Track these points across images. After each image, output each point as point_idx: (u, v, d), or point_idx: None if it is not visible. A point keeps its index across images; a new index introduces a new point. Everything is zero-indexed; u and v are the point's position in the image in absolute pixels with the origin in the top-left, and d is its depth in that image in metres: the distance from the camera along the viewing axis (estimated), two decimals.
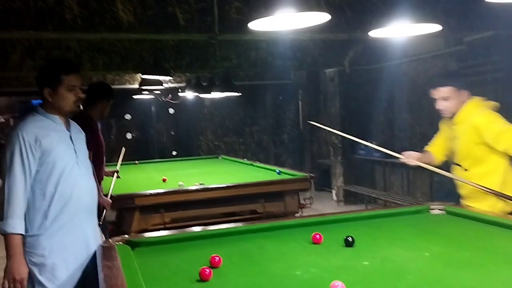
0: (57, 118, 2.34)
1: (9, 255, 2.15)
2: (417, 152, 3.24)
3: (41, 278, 2.22)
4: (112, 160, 5.78)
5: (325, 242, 2.25)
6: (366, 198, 7.23)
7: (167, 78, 5.46)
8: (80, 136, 2.47)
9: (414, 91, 6.75)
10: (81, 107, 3.51)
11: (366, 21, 3.77)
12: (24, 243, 2.20)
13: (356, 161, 7.63)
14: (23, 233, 2.18)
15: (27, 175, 2.19)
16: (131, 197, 3.98)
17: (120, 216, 4.08)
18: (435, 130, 6.84)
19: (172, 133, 10.91)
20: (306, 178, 4.58)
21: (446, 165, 3.18)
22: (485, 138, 2.76)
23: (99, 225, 4.29)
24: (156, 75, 5.09)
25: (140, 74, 7.10)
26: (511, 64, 4.45)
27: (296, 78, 9.48)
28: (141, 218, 4.02)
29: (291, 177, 4.74)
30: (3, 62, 5.55)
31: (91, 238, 2.37)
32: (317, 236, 2.26)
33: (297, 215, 4.41)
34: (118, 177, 4.40)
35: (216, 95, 5.93)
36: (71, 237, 2.29)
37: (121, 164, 5.00)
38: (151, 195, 4.07)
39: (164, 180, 4.83)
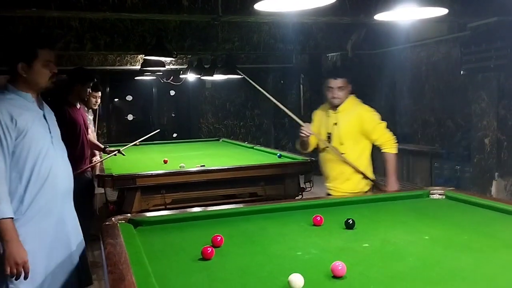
0: (29, 95, 2.20)
1: (5, 241, 2.04)
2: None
3: None
4: (122, 140, 5.85)
5: (325, 224, 2.27)
6: None
7: (169, 59, 5.43)
8: (52, 116, 2.35)
9: (416, 76, 6.73)
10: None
11: (371, 4, 3.74)
12: None
13: None
14: (13, 216, 2.06)
15: (6, 157, 2.07)
16: (132, 178, 4.00)
17: (122, 196, 4.11)
18: (436, 116, 6.83)
19: (173, 115, 10.89)
20: (307, 162, 4.60)
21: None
22: (365, 126, 3.25)
23: (89, 213, 4.43)
24: (158, 56, 5.07)
25: (142, 55, 7.08)
26: None
27: (298, 62, 9.43)
28: (142, 198, 4.04)
29: (292, 160, 4.75)
30: (4, 38, 5.51)
31: (68, 222, 2.30)
32: (318, 218, 2.28)
33: (297, 198, 4.44)
34: (123, 154, 4.60)
35: (218, 77, 5.91)
36: (48, 222, 2.19)
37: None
38: (152, 176, 4.09)
39: (165, 162, 4.84)
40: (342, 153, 3.26)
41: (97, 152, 4.87)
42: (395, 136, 3.41)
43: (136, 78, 8.91)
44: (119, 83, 9.73)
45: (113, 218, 2.34)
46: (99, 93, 4.65)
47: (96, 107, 4.81)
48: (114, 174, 3.97)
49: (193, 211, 2.60)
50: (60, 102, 3.90)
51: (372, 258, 1.83)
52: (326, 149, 3.36)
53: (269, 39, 6.65)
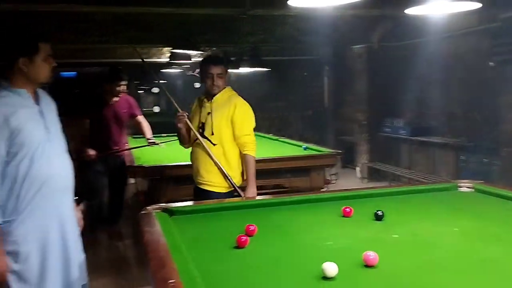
0: (24, 92, 2.15)
1: None
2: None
3: (15, 266, 2.09)
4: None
5: (354, 215, 2.32)
6: (390, 175, 7.24)
7: (195, 52, 5.51)
8: (51, 108, 2.30)
9: (444, 69, 6.66)
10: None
11: None
12: None
13: (381, 138, 7.62)
14: (1, 222, 2.03)
15: (0, 157, 2.05)
16: (162, 168, 4.10)
17: (152, 187, 4.22)
18: (463, 108, 6.73)
19: None
20: (333, 154, 4.63)
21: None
22: (234, 118, 3.14)
23: (119, 200, 4.64)
24: (185, 49, 5.15)
25: (168, 48, 7.18)
26: None
27: (322, 54, 9.41)
28: (172, 188, 4.13)
29: (317, 153, 4.79)
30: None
31: (67, 219, 2.25)
32: (347, 210, 2.33)
33: (322, 190, 4.48)
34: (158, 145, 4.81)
35: (243, 70, 5.96)
36: (46, 220, 2.15)
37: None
38: (181, 166, 4.18)
39: None
40: (215, 144, 3.14)
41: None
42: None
43: (162, 70, 9.02)
44: (145, 75, 9.88)
45: (148, 207, 2.42)
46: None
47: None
48: (145, 165, 4.08)
49: (224, 201, 2.67)
50: (99, 101, 4.51)
51: (402, 249, 1.87)
52: (197, 142, 3.21)
53: (293, 32, 6.67)
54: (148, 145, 4.76)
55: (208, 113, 3.19)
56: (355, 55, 7.85)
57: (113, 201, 4.76)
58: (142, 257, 4.18)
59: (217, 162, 3.11)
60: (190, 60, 6.36)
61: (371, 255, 1.66)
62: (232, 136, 3.17)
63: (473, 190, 2.76)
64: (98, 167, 4.52)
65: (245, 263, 1.76)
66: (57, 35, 5.55)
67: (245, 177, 3.21)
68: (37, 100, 2.21)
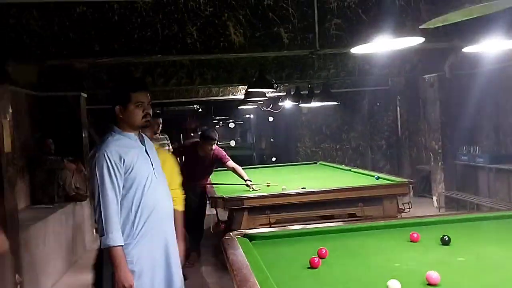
0: (132, 134, 2.49)
1: (115, 266, 2.31)
2: None
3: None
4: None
5: (422, 240, 2.46)
6: (469, 204, 7.06)
7: (270, 90, 5.88)
8: (153, 149, 2.62)
9: None
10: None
11: (464, 29, 3.84)
12: None
13: (458, 166, 7.48)
14: (123, 244, 2.35)
15: (117, 192, 2.36)
16: (240, 199, 4.43)
17: (231, 216, 4.55)
18: None
19: (272, 140, 11.38)
20: (405, 183, 4.72)
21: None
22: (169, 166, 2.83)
23: (199, 226, 5.00)
24: (261, 88, 5.52)
25: (243, 86, 7.65)
26: None
27: (393, 84, 9.47)
28: (249, 218, 4.44)
29: (389, 182, 4.89)
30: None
31: (170, 241, 2.55)
32: (415, 235, 2.48)
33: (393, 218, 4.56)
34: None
35: (315, 104, 6.22)
36: (155, 243, 2.46)
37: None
38: (258, 197, 4.49)
39: (268, 185, 5.21)
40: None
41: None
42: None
43: (238, 107, 9.52)
44: (222, 112, 10.48)
45: (231, 233, 2.73)
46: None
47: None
48: (224, 196, 4.43)
49: (299, 228, 2.92)
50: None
51: (466, 271, 2.00)
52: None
53: (364, 65, 6.86)
54: (245, 185, 5.06)
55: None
56: (427, 84, 7.85)
57: (194, 227, 5.15)
58: (222, 283, 4.47)
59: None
60: (265, 96, 6.74)
61: (434, 274, 1.81)
62: None
63: None
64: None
65: (319, 281, 1.98)
66: (149, 79, 6.17)
67: None
68: (141, 141, 2.56)
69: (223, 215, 4.85)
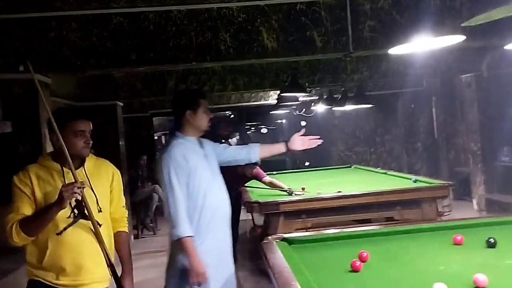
0: (193, 139, 2.70)
1: (188, 255, 2.51)
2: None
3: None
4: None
5: (466, 243, 2.39)
6: (511, 207, 6.83)
7: (303, 94, 5.86)
8: (212, 153, 2.78)
9: None
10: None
11: (504, 28, 3.74)
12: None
13: (499, 168, 7.25)
14: (193, 235, 2.52)
15: (183, 190, 2.56)
16: (276, 204, 4.42)
17: (267, 221, 4.55)
18: None
19: None
20: (444, 186, 4.61)
21: None
22: (115, 189, 2.40)
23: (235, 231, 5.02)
24: (293, 92, 5.51)
25: (274, 91, 7.66)
26: None
27: (429, 85, 9.29)
28: (285, 223, 4.42)
29: (427, 185, 4.79)
30: (162, 88, 6.47)
31: (228, 241, 2.76)
32: (458, 238, 2.41)
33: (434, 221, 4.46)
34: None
35: (349, 107, 6.17)
36: (217, 241, 2.66)
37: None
38: (293, 202, 4.47)
39: (303, 189, 5.19)
40: (101, 224, 2.22)
41: None
42: None
43: (271, 112, 9.53)
44: (254, 116, 10.51)
45: (269, 237, 2.73)
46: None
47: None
48: (260, 201, 4.43)
49: (337, 231, 2.89)
50: None
51: None
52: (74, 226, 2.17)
53: (398, 66, 6.77)
54: (288, 194, 5.05)
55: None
56: (463, 84, 7.67)
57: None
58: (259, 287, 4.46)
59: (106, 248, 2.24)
60: (298, 101, 6.72)
61: (481, 276, 1.76)
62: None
63: None
64: None
65: (361, 284, 1.96)
66: (182, 87, 6.27)
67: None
68: (201, 145, 2.74)
69: (259, 219, 4.85)
